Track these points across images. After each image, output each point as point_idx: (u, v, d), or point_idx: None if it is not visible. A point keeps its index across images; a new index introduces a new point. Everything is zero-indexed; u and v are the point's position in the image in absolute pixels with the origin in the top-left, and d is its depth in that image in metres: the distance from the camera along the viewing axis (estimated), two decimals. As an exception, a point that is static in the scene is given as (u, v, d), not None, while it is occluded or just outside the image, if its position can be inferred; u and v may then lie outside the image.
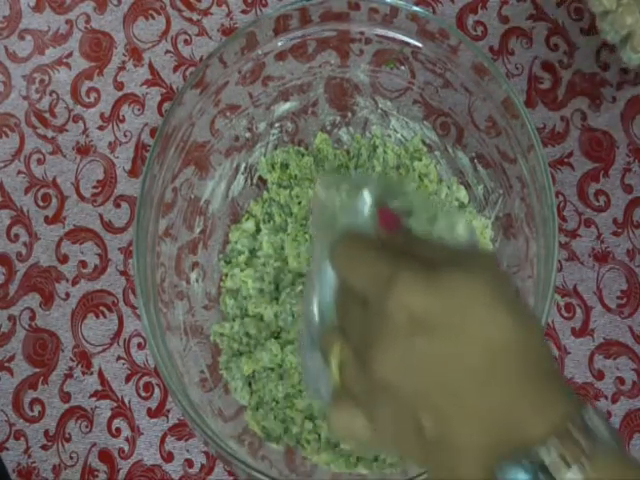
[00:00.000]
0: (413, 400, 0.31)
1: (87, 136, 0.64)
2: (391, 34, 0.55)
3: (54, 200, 0.63)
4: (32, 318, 0.60)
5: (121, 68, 0.65)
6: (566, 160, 0.61)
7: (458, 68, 0.54)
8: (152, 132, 0.63)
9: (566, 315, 0.58)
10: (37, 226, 0.62)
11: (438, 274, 0.30)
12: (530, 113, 0.51)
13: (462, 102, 0.55)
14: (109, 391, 0.58)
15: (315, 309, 0.37)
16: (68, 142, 0.64)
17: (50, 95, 0.65)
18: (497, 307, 0.30)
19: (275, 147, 0.61)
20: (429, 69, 0.55)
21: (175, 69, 0.65)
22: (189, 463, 0.57)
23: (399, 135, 0.60)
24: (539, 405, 0.29)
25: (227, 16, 0.66)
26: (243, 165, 0.60)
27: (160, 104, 0.64)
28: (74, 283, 0.61)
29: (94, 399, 0.58)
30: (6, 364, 0.60)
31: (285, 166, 0.60)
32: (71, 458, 0.58)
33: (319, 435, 0.54)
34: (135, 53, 0.65)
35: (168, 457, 0.57)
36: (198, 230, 0.57)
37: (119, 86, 0.65)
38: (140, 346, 0.59)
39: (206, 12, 0.66)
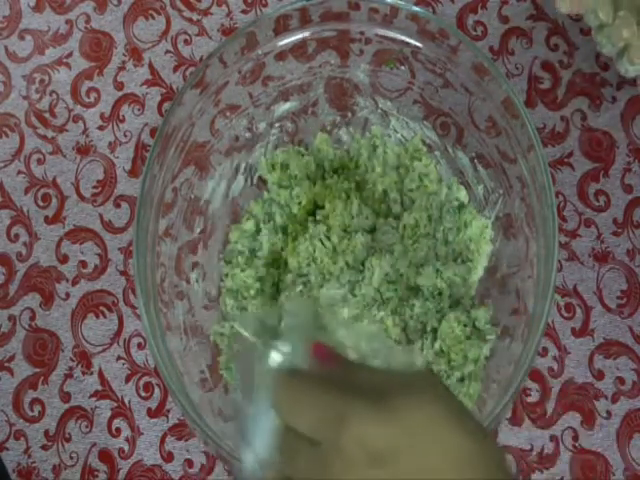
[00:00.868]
0: None
1: (87, 136, 0.64)
2: (391, 34, 0.55)
3: (54, 200, 0.63)
4: (32, 318, 0.60)
5: (121, 68, 0.65)
6: (566, 160, 0.61)
7: (458, 68, 0.54)
8: (152, 132, 0.63)
9: (566, 315, 0.58)
10: (37, 226, 0.62)
11: (387, 403, 0.30)
12: (530, 113, 0.51)
13: (462, 102, 0.55)
14: (109, 391, 0.58)
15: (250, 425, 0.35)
16: (68, 142, 0.64)
17: (50, 95, 0.65)
18: (452, 425, 0.30)
19: (275, 147, 0.61)
20: (429, 69, 0.55)
21: (175, 69, 0.65)
22: (189, 463, 0.57)
23: (399, 135, 0.60)
24: None
25: (227, 16, 0.66)
26: (243, 165, 0.60)
27: (160, 104, 0.64)
28: (74, 283, 0.61)
29: (94, 399, 0.58)
30: (6, 364, 0.60)
31: (285, 166, 0.60)
32: (71, 458, 0.58)
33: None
34: (135, 53, 0.65)
35: (168, 457, 0.57)
36: (198, 230, 0.57)
37: (119, 86, 0.65)
38: (140, 346, 0.59)
39: (206, 12, 0.66)
